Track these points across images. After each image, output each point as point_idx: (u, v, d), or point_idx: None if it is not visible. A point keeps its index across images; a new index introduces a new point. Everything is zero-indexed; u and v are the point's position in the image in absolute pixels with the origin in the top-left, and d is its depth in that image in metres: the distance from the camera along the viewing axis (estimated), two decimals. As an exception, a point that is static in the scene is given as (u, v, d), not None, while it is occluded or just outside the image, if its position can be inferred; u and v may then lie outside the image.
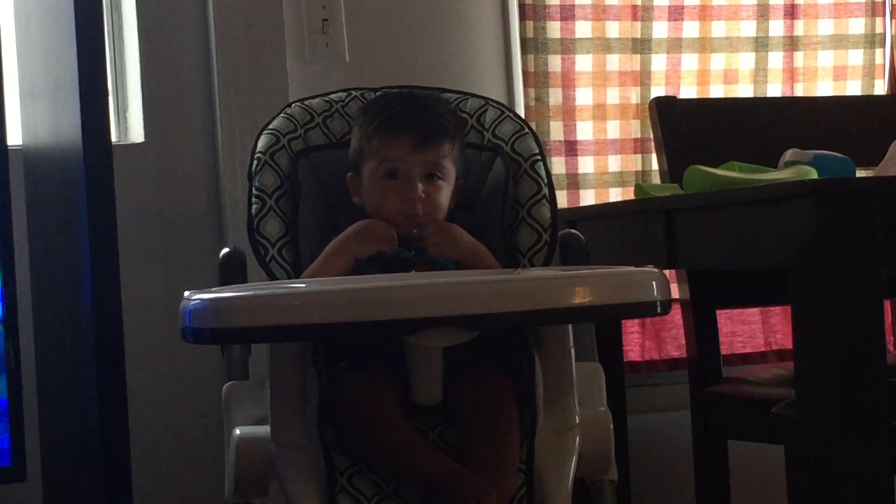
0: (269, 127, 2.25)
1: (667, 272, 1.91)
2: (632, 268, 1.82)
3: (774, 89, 3.29)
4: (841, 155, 2.62)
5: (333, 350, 2.05)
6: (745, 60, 3.28)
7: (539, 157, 2.24)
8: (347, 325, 1.68)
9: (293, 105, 2.29)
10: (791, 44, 3.31)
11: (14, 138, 2.60)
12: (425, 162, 2.12)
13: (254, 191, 2.18)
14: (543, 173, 2.22)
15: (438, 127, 2.14)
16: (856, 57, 3.35)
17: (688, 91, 3.24)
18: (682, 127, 2.98)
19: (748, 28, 3.29)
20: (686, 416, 2.82)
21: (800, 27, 3.31)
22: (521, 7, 3.12)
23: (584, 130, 3.17)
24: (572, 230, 2.23)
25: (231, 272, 2.14)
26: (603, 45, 3.18)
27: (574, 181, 3.16)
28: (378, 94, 2.29)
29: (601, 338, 2.23)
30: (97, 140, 2.23)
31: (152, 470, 2.81)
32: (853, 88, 3.35)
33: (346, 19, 3.03)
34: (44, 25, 2.49)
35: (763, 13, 3.29)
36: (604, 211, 2.87)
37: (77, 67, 2.23)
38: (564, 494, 1.96)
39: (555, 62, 3.14)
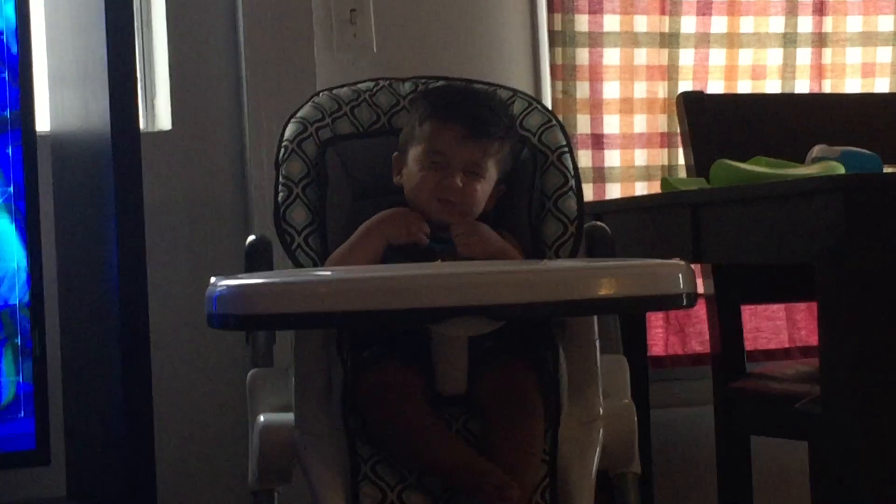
0: (297, 115, 2.25)
1: (692, 266, 1.90)
2: (658, 260, 1.82)
3: (802, 85, 3.28)
4: (868, 151, 2.61)
5: (358, 338, 2.05)
6: (774, 56, 3.27)
7: (566, 150, 2.23)
8: (373, 313, 1.68)
9: (321, 94, 2.29)
10: (819, 40, 3.30)
11: (43, 125, 2.61)
12: (469, 156, 2.12)
13: (280, 179, 2.18)
14: (570, 165, 2.22)
15: (489, 125, 2.14)
16: (884, 54, 3.34)
17: (715, 86, 3.23)
18: (709, 122, 2.97)
19: (777, 24, 3.27)
20: (709, 412, 2.81)
21: (828, 24, 3.30)
22: (550, 0, 3.12)
23: (611, 124, 3.17)
24: (598, 222, 2.23)
25: (257, 260, 2.15)
26: (631, 39, 3.17)
27: (600, 174, 3.15)
28: (440, 82, 2.30)
29: (625, 332, 2.22)
30: (125, 127, 2.24)
31: (176, 455, 2.81)
32: (881, 85, 3.33)
33: (374, 10, 3.03)
34: (73, 12, 2.49)
35: (791, 9, 3.28)
36: (630, 204, 2.86)
37: (106, 55, 2.24)
38: (588, 486, 1.96)
39: (582, 55, 3.14)
